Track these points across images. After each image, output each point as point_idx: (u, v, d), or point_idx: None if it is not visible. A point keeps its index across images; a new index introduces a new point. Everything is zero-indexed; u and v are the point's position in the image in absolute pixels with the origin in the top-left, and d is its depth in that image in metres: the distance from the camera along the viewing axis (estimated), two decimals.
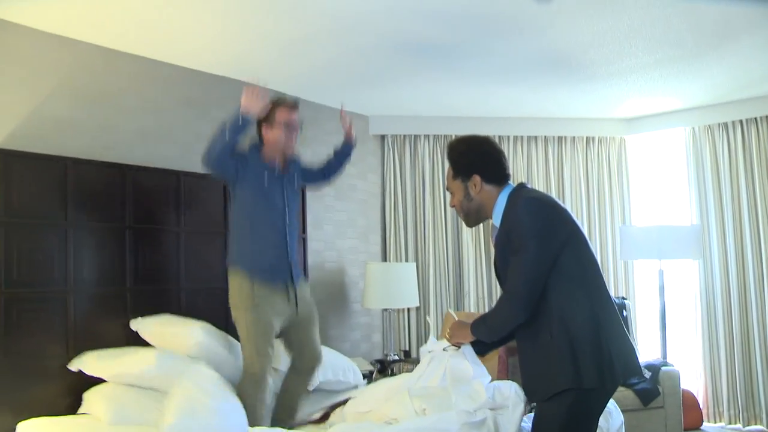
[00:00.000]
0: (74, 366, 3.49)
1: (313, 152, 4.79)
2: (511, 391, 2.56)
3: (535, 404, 2.53)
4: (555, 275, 2.37)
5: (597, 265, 2.50)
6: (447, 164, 2.72)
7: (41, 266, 3.52)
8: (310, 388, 3.81)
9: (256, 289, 3.49)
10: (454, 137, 5.85)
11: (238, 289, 3.53)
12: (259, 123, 3.63)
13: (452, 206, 2.71)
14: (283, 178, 3.69)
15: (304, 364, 3.73)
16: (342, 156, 4.04)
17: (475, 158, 2.61)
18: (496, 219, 2.57)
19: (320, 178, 4.06)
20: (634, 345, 2.48)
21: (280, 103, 3.63)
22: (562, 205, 2.57)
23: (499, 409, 2.49)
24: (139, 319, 3.77)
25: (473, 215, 2.64)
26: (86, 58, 3.91)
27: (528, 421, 2.68)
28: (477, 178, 2.57)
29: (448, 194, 2.79)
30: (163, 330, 3.72)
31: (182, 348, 3.60)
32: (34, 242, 3.50)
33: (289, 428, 3.44)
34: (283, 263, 3.62)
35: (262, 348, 3.46)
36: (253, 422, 3.24)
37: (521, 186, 2.60)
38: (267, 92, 3.43)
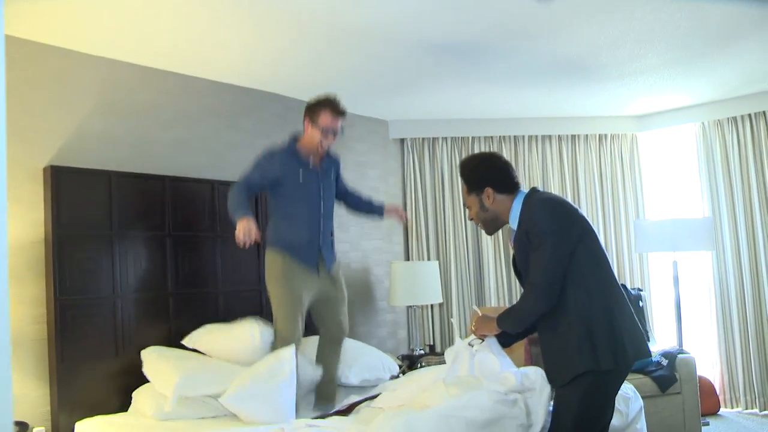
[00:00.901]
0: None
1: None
2: (538, 375, 2.75)
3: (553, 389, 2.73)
4: (571, 270, 2.59)
5: (607, 259, 2.72)
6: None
7: (91, 274, 3.75)
8: (341, 354, 4.03)
9: (288, 264, 3.73)
10: (471, 138, 6.12)
11: (272, 263, 3.77)
12: (305, 115, 3.82)
13: (470, 219, 2.95)
14: (318, 173, 3.87)
15: (330, 334, 3.96)
16: (368, 212, 4.27)
17: (485, 172, 2.86)
18: (513, 223, 2.79)
19: (342, 198, 4.20)
20: (642, 331, 2.70)
21: (327, 105, 3.78)
22: (573, 204, 2.81)
23: (527, 392, 2.69)
24: (193, 335, 3.98)
25: (491, 224, 2.89)
26: (122, 76, 4.13)
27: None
28: (489, 191, 2.81)
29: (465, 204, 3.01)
30: (217, 338, 3.94)
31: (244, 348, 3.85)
32: (84, 252, 3.73)
33: (329, 408, 3.73)
34: (314, 246, 3.83)
35: (292, 316, 3.70)
36: None
37: (534, 190, 2.83)
38: (257, 234, 3.59)
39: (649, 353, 2.70)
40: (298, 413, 3.54)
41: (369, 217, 4.35)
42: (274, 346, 3.73)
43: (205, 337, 3.95)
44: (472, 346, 3.04)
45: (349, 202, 4.23)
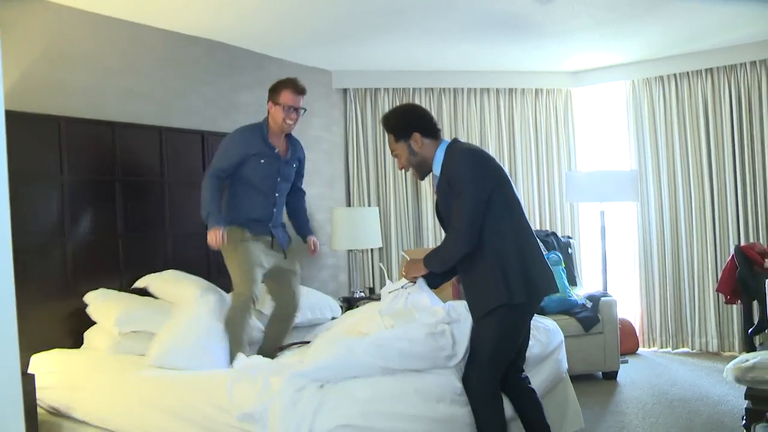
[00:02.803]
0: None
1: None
2: (462, 308, 3.03)
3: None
4: (487, 215, 2.86)
5: (520, 204, 2.99)
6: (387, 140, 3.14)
7: (42, 219, 3.85)
8: (289, 329, 4.14)
9: (246, 233, 3.85)
10: (412, 90, 6.30)
11: (230, 235, 3.80)
12: (268, 98, 3.90)
13: (401, 168, 3.14)
14: (281, 161, 3.95)
15: (282, 311, 4.06)
16: (298, 227, 4.30)
17: (411, 119, 3.07)
18: (436, 169, 3.02)
19: (290, 192, 4.20)
20: (551, 270, 3.01)
21: (287, 84, 3.87)
22: (490, 155, 3.06)
23: (453, 323, 2.96)
24: (147, 277, 4.11)
25: (421, 168, 3.09)
26: (68, 23, 4.13)
27: None
28: (417, 135, 3.02)
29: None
30: (167, 288, 4.05)
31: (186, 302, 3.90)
32: (35, 196, 3.82)
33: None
34: (265, 223, 3.95)
35: (249, 273, 3.77)
36: (234, 346, 3.63)
37: (455, 140, 3.07)
38: (225, 237, 3.75)
39: (556, 289, 3.05)
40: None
41: (295, 229, 4.33)
42: (229, 311, 3.77)
43: (156, 281, 4.08)
44: (405, 289, 3.25)
45: (291, 203, 4.24)
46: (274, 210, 4.00)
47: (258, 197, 3.92)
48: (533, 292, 2.88)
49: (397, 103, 6.36)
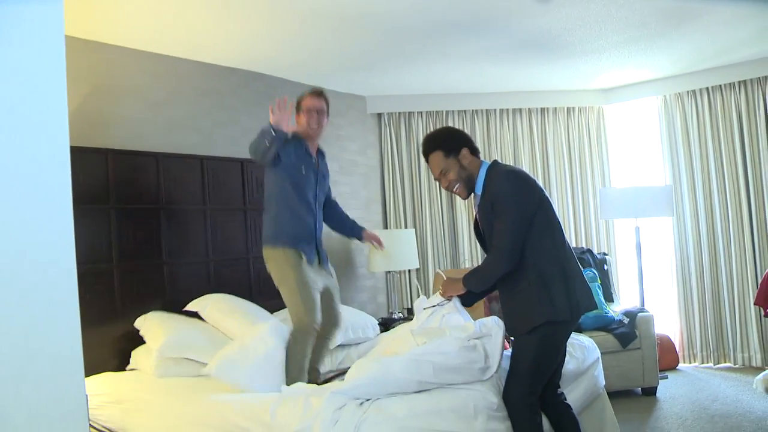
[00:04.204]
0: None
1: None
2: (493, 323, 3.11)
3: (513, 338, 3.09)
4: (529, 234, 2.94)
5: (560, 225, 3.07)
6: (431, 161, 3.17)
7: (88, 244, 4.02)
8: (331, 347, 4.21)
9: (301, 256, 3.82)
10: (445, 112, 6.40)
11: (283, 257, 3.79)
12: (295, 111, 3.95)
13: (447, 187, 3.16)
14: (318, 170, 4.00)
15: (325, 330, 4.04)
16: (344, 232, 4.36)
17: (458, 136, 3.17)
18: (478, 188, 3.10)
19: (326, 204, 4.20)
20: (589, 287, 3.08)
21: (308, 91, 3.99)
22: (532, 176, 3.13)
23: (484, 337, 3.04)
24: (197, 301, 4.23)
25: (467, 185, 3.14)
26: (112, 59, 4.35)
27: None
28: (465, 151, 3.11)
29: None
30: (220, 317, 4.15)
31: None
32: (85, 225, 3.96)
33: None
34: (313, 239, 3.95)
35: (309, 299, 3.74)
36: (295, 372, 3.66)
37: (495, 162, 3.15)
38: (290, 104, 3.75)
39: (596, 306, 3.12)
40: None
41: (346, 236, 4.41)
42: (290, 341, 3.74)
43: (208, 306, 4.19)
44: (442, 306, 3.33)
45: (332, 214, 4.25)
46: (317, 222, 3.98)
47: (303, 212, 3.88)
48: (575, 309, 2.96)
49: (431, 126, 6.50)
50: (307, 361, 3.78)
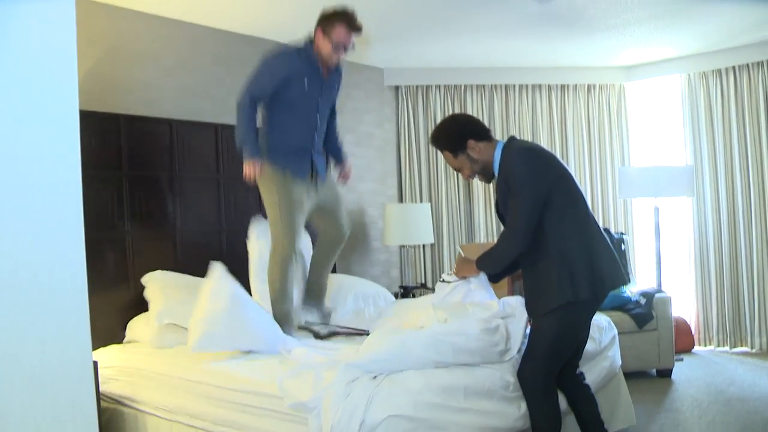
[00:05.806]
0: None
1: None
2: (517, 303, 3.04)
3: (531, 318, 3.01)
4: (549, 212, 2.84)
5: (584, 199, 2.96)
6: (445, 158, 3.12)
7: (103, 210, 3.99)
8: (337, 254, 4.05)
9: (287, 174, 3.67)
10: (463, 87, 6.28)
11: (271, 175, 3.64)
12: (318, 24, 3.61)
13: (467, 178, 3.14)
14: (323, 84, 3.71)
15: (328, 236, 3.94)
16: (334, 155, 4.09)
17: (460, 129, 3.05)
18: (496, 169, 3.02)
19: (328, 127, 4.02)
20: (618, 260, 2.95)
21: (344, 18, 3.55)
22: (549, 151, 3.03)
23: (508, 318, 2.97)
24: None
25: (485, 174, 3.08)
26: (126, 24, 4.27)
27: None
28: (471, 142, 3.01)
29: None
30: None
31: None
32: (98, 191, 3.92)
33: (317, 306, 3.88)
34: (307, 157, 3.75)
35: (292, 221, 3.61)
36: (280, 300, 3.55)
37: (512, 139, 3.04)
38: (263, 167, 3.62)
39: (625, 280, 2.98)
40: (288, 325, 3.61)
41: (330, 156, 4.12)
42: (270, 263, 3.66)
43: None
44: (468, 282, 3.24)
45: (330, 137, 4.02)
46: (315, 136, 3.78)
47: (298, 124, 3.69)
48: (599, 288, 2.84)
49: (449, 100, 6.40)
50: (290, 285, 3.64)
